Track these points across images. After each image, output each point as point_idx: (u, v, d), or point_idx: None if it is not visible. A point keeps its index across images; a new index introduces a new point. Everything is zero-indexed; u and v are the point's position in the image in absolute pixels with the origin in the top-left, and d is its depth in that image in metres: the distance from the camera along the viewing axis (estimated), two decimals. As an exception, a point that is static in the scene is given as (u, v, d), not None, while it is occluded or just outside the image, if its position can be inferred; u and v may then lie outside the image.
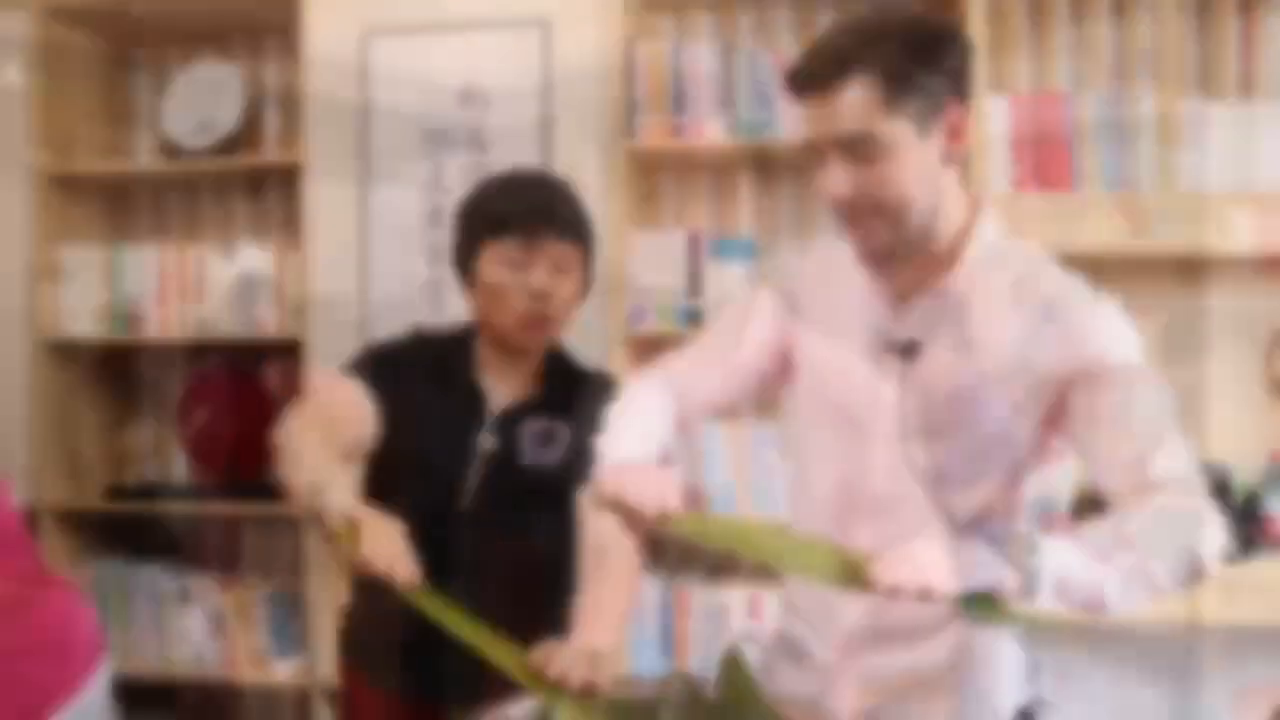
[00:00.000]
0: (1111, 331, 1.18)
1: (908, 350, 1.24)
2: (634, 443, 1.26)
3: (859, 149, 1.15)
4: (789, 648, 1.42)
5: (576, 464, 1.52)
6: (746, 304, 1.47)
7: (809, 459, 1.39)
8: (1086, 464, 1.20)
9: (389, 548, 1.17)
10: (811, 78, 1.16)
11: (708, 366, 1.43)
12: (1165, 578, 1.05)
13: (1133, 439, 1.12)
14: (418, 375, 1.53)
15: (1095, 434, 1.15)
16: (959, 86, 1.17)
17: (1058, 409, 1.20)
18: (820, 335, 1.36)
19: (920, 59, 1.13)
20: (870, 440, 1.28)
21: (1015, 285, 1.22)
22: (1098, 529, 1.06)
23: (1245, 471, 2.41)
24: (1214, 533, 1.08)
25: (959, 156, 1.22)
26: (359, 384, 1.49)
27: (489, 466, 1.51)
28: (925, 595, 0.97)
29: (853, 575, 0.99)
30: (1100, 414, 1.14)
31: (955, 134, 1.18)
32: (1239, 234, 2.28)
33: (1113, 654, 2.57)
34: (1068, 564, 1.01)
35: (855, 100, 1.13)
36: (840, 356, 1.32)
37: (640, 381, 1.43)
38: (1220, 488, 2.29)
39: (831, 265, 1.38)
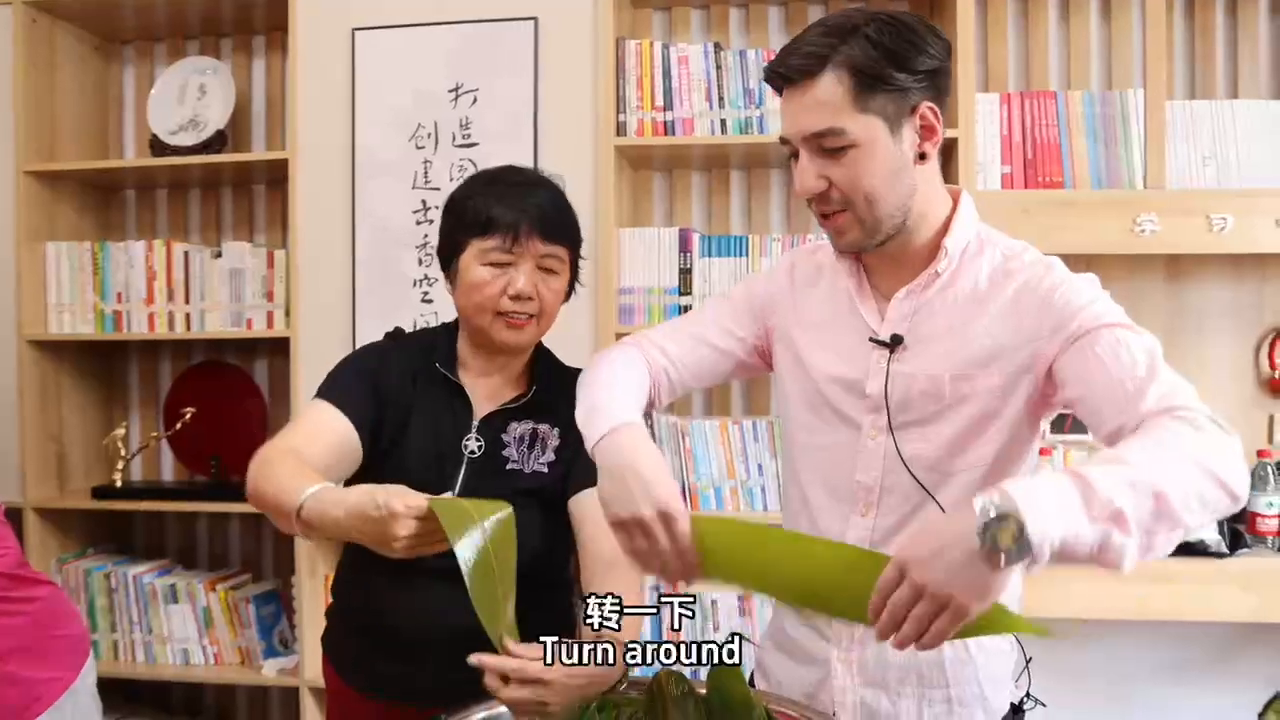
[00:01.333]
0: (1088, 298, 1.17)
1: (892, 345, 1.25)
2: (616, 412, 1.22)
3: (829, 144, 1.16)
4: (784, 643, 1.42)
5: (566, 467, 1.51)
6: (732, 293, 1.47)
7: (799, 454, 1.39)
8: (1086, 419, 1.15)
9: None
10: (787, 72, 1.18)
11: (689, 346, 1.42)
12: (1191, 510, 0.95)
13: (1125, 378, 1.08)
14: (400, 381, 1.51)
15: (1090, 386, 1.12)
16: (935, 87, 1.18)
17: (1049, 384, 1.20)
18: (806, 331, 1.36)
19: (893, 58, 1.14)
20: (859, 434, 1.29)
21: (994, 273, 1.24)
22: (1089, 465, 0.95)
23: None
24: (1231, 450, 0.99)
25: (934, 155, 1.22)
26: (332, 405, 1.46)
27: (475, 470, 1.49)
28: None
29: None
30: (1091, 365, 1.12)
31: (930, 134, 1.19)
32: (1226, 232, 2.28)
33: (1105, 651, 2.59)
34: (1058, 520, 0.90)
35: (826, 95, 1.15)
36: (826, 352, 1.33)
37: (615, 351, 1.40)
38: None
39: (819, 262, 1.39)
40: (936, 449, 1.24)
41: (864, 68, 1.14)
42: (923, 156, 1.20)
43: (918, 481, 1.24)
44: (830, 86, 1.15)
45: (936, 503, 1.23)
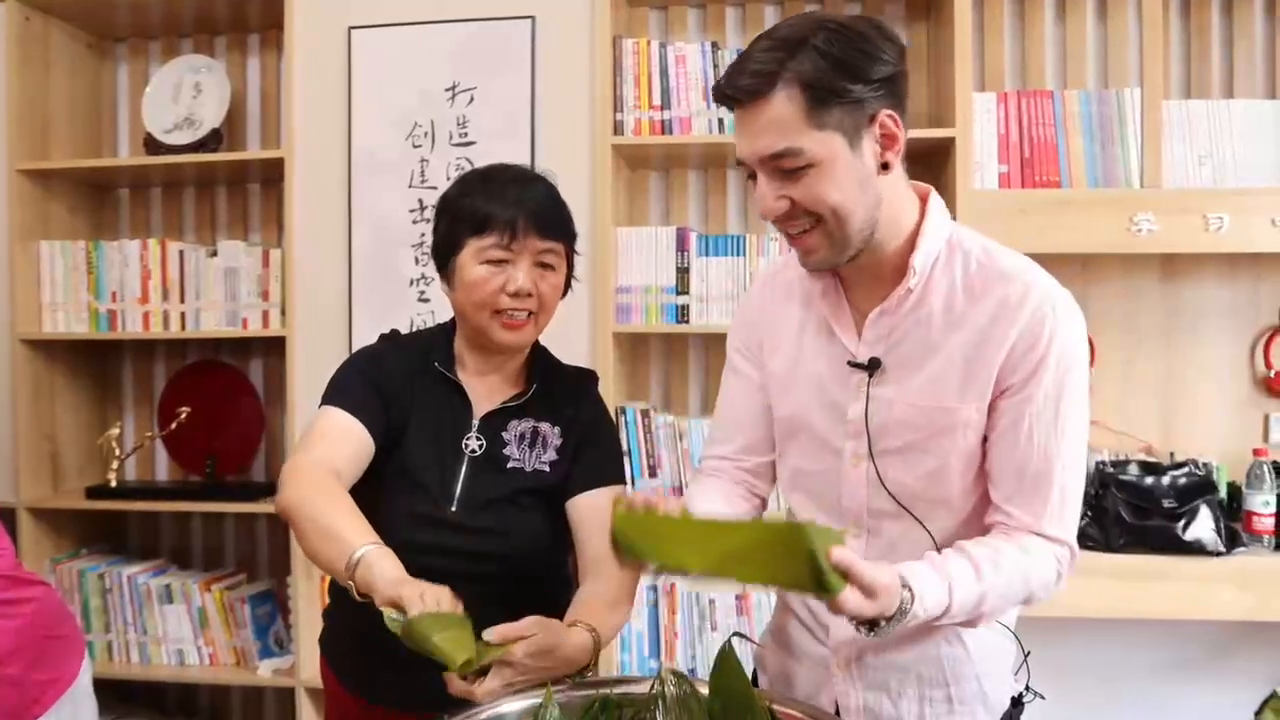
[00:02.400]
0: (1055, 332, 1.16)
1: (870, 369, 1.23)
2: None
3: (787, 164, 1.12)
4: (784, 643, 1.42)
5: (568, 467, 1.51)
6: (730, 360, 1.44)
7: (789, 476, 1.37)
8: (988, 465, 1.21)
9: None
10: (735, 93, 1.13)
11: (738, 432, 1.41)
12: (990, 619, 1.18)
13: (1030, 463, 1.17)
14: (399, 383, 1.50)
15: (1001, 447, 1.19)
16: (893, 94, 1.13)
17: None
18: (785, 353, 1.34)
19: (846, 69, 1.09)
20: (841, 459, 1.27)
21: (969, 283, 1.20)
22: (967, 577, 1.12)
23: (1229, 467, 2.43)
24: (1056, 583, 1.19)
25: (898, 163, 1.18)
26: (344, 411, 1.45)
27: (476, 469, 1.48)
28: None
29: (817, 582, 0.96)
30: (1013, 423, 1.17)
31: (891, 142, 1.14)
32: (1223, 231, 2.29)
33: (1103, 648, 2.59)
34: (918, 612, 1.07)
35: (779, 115, 1.10)
36: (805, 375, 1.30)
37: (689, 489, 1.43)
38: (1204, 484, 2.31)
39: (789, 279, 1.36)
40: (918, 479, 1.22)
41: (816, 82, 1.08)
42: (885, 166, 1.15)
43: (906, 510, 1.23)
44: (782, 105, 1.10)
45: (928, 532, 1.23)
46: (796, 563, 0.94)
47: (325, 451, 1.39)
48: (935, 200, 1.24)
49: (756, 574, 0.99)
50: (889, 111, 1.13)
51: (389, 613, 1.16)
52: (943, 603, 1.08)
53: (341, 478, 1.36)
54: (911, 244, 1.21)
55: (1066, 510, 1.19)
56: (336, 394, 1.47)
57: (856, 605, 0.99)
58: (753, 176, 1.17)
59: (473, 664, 1.12)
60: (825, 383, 1.28)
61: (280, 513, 1.34)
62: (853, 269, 1.23)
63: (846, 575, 0.98)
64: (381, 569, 1.19)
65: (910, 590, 1.05)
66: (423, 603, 1.13)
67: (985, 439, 1.21)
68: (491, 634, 1.18)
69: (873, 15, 2.57)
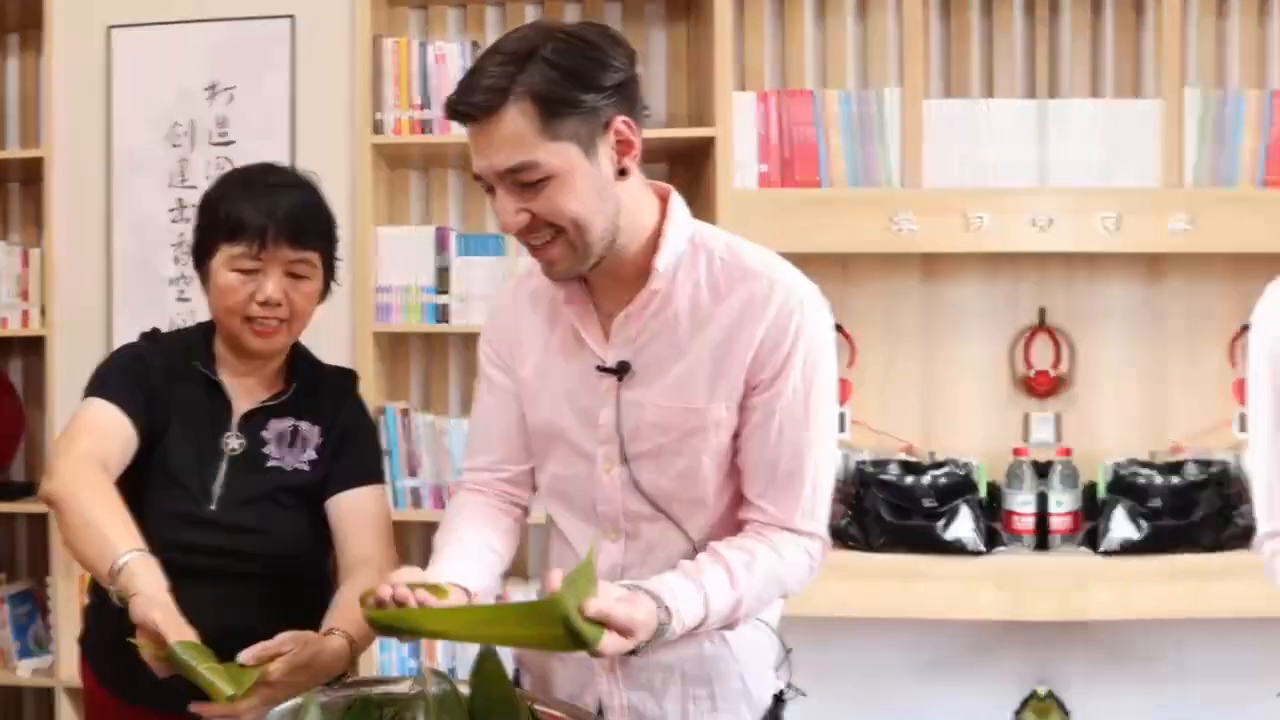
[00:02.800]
0: (801, 328, 1.17)
1: (619, 373, 1.23)
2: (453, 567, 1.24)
3: (525, 178, 1.11)
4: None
5: (328, 466, 1.51)
6: (481, 369, 1.42)
7: (546, 481, 1.36)
8: (740, 462, 1.22)
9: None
10: (468, 110, 1.11)
11: (494, 441, 1.39)
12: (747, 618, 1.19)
13: (779, 461, 1.19)
14: (161, 381, 1.49)
15: (752, 443, 1.20)
16: (626, 99, 1.13)
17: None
18: (535, 361, 1.33)
19: (577, 79, 1.09)
20: (595, 465, 1.27)
21: (714, 282, 1.20)
22: (722, 584, 1.13)
23: (989, 467, 2.43)
24: (809, 575, 1.22)
25: (635, 169, 1.18)
26: (110, 403, 1.43)
27: (236, 468, 1.48)
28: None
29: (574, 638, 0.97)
30: (764, 420, 1.18)
31: (627, 148, 1.14)
32: (983, 230, 2.30)
33: (865, 647, 2.59)
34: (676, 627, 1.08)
35: (513, 129, 1.09)
36: (555, 382, 1.30)
37: (449, 505, 1.42)
38: (964, 484, 2.32)
39: (535, 286, 1.34)
40: (672, 480, 1.22)
41: (547, 94, 1.08)
42: (623, 172, 1.15)
43: (662, 512, 1.23)
44: (515, 120, 1.08)
45: (685, 534, 1.23)
46: (553, 628, 0.96)
47: (92, 442, 1.38)
48: (676, 200, 1.24)
49: (514, 640, 1.06)
50: (623, 118, 1.13)
51: (141, 643, 1.15)
52: (699, 615, 1.09)
53: (108, 470, 1.35)
54: (654, 246, 1.20)
55: (818, 503, 1.21)
56: (101, 387, 1.46)
57: (616, 646, 0.99)
58: (491, 190, 1.16)
59: (236, 696, 1.12)
60: (575, 389, 1.27)
61: (45, 501, 1.33)
62: (597, 274, 1.22)
63: (604, 624, 0.98)
64: (145, 582, 1.19)
65: (667, 610, 1.05)
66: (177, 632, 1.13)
67: (737, 436, 1.21)
68: (246, 655, 1.18)
69: (634, 14, 2.60)
